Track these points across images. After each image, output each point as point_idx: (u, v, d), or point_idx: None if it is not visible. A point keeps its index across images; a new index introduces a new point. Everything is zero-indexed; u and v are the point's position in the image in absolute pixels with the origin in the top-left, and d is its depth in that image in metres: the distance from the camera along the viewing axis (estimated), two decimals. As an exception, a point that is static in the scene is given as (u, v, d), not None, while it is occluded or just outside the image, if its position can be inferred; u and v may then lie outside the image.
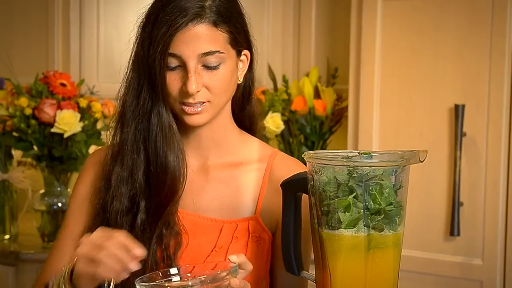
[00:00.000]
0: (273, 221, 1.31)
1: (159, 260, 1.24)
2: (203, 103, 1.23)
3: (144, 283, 1.00)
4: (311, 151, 1.07)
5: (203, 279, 1.01)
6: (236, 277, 1.04)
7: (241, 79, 1.31)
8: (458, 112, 2.13)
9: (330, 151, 1.11)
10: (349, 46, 2.41)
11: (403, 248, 1.06)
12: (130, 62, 1.28)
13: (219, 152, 1.33)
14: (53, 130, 2.36)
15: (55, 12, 2.74)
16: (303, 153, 1.06)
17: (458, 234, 2.15)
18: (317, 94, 2.76)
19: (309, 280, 1.16)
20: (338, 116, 2.75)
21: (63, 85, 2.44)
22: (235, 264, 1.05)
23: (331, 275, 1.02)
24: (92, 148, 2.47)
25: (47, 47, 2.77)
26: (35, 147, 2.42)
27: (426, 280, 2.23)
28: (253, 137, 1.38)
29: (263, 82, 2.89)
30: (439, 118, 2.19)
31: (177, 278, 1.08)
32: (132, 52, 1.28)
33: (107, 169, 1.31)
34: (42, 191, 2.53)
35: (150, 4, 1.26)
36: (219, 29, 1.22)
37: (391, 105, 2.28)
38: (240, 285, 1.05)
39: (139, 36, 1.26)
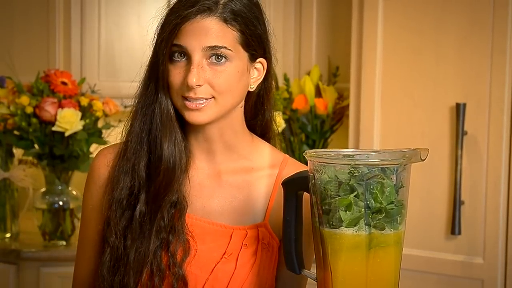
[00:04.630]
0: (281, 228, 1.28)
1: (164, 267, 1.21)
2: (207, 99, 1.18)
3: None
4: (312, 150, 1.07)
5: None
6: None
7: (253, 87, 1.26)
8: (459, 110, 2.13)
9: (331, 149, 1.10)
10: (350, 45, 2.41)
11: (404, 247, 1.06)
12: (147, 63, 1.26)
13: (231, 156, 1.28)
14: (54, 128, 2.36)
15: (56, 11, 2.73)
16: (304, 152, 1.06)
17: (459, 233, 2.15)
18: (318, 93, 2.76)
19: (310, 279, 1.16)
20: (339, 115, 2.74)
21: (64, 83, 2.44)
22: None
23: (332, 274, 1.02)
24: (93, 147, 2.48)
25: (48, 45, 2.76)
26: (36, 146, 2.42)
27: (427, 279, 2.23)
28: (265, 142, 1.34)
29: (264, 80, 2.89)
30: (440, 116, 2.19)
31: None
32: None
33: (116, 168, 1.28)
34: (43, 189, 2.54)
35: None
36: (229, 26, 1.17)
37: (392, 103, 2.28)
38: None
39: (154, 34, 1.23)
